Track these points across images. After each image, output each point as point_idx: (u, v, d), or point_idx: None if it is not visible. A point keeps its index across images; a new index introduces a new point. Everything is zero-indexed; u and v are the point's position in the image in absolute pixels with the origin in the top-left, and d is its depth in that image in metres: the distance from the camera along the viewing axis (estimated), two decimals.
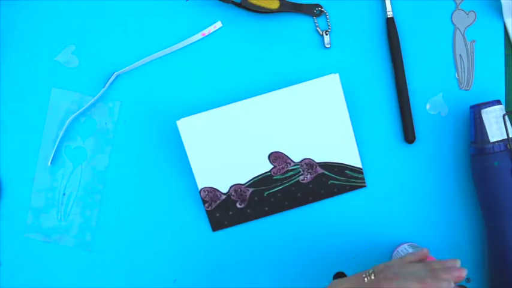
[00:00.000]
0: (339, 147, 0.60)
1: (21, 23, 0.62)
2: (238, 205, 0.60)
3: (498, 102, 0.57)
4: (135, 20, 0.62)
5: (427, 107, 0.62)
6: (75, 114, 0.61)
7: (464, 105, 0.61)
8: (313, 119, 0.60)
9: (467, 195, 0.61)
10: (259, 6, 0.60)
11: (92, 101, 0.61)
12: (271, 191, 0.60)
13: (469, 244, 0.61)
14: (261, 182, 0.60)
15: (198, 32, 0.61)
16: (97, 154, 0.61)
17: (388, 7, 0.61)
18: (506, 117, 0.56)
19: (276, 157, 0.60)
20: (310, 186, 0.60)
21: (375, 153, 0.61)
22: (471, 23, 0.62)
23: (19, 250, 0.62)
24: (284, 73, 0.61)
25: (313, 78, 0.62)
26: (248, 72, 0.61)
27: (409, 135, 0.60)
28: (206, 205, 0.60)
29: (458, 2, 0.62)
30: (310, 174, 0.60)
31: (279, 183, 0.60)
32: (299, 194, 0.60)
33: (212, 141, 0.59)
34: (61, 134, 0.61)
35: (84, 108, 0.61)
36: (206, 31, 0.61)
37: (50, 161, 0.61)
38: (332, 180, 0.60)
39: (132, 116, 0.62)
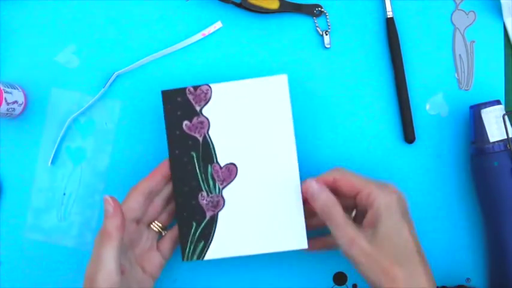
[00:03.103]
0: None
1: (21, 23, 0.62)
2: None
3: (498, 102, 0.57)
4: (135, 20, 0.62)
5: (427, 107, 0.62)
6: (75, 114, 0.61)
7: (464, 105, 0.61)
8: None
9: (466, 195, 0.61)
10: (259, 6, 0.60)
11: (92, 100, 0.61)
12: None
13: (468, 244, 0.61)
14: None
15: (198, 32, 0.62)
16: (97, 154, 0.62)
17: (388, 7, 0.61)
18: (506, 117, 0.56)
19: None
20: None
21: (375, 153, 0.61)
22: (471, 23, 0.62)
23: (19, 250, 0.62)
24: (284, 73, 0.61)
25: (313, 78, 0.62)
26: (248, 72, 0.61)
27: (408, 135, 0.60)
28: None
29: (458, 2, 0.62)
30: None
31: None
32: None
33: None
34: (61, 134, 0.61)
35: (84, 108, 0.61)
36: (206, 31, 0.61)
37: (50, 161, 0.61)
38: None
39: (132, 116, 0.62)
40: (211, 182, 0.55)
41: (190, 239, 0.55)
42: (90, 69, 0.62)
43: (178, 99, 0.55)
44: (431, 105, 0.62)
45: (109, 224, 0.50)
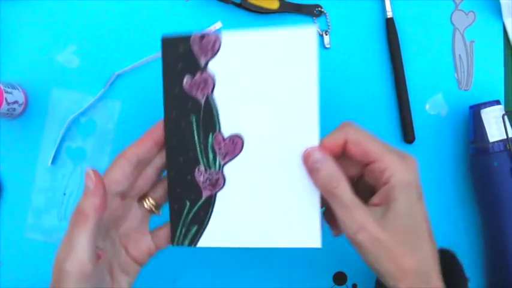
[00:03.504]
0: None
1: (22, 23, 0.62)
2: None
3: (497, 102, 0.57)
4: (135, 21, 0.62)
5: (427, 107, 0.62)
6: (76, 114, 0.61)
7: (463, 105, 0.61)
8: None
9: (466, 195, 0.61)
10: (259, 7, 0.60)
11: (92, 100, 0.61)
12: None
13: (468, 244, 0.62)
14: None
15: None
16: (97, 154, 0.62)
17: (388, 7, 0.61)
18: (506, 117, 0.57)
19: None
20: None
21: None
22: (471, 24, 0.62)
23: (19, 250, 0.62)
24: None
25: None
26: None
27: (408, 135, 0.61)
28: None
29: (457, 3, 0.62)
30: None
31: None
32: None
33: None
34: (61, 133, 0.61)
35: (84, 108, 0.61)
36: (206, 31, 0.62)
37: (50, 161, 0.61)
38: None
39: (132, 116, 0.62)
40: (211, 155, 0.46)
41: (182, 221, 0.47)
42: (91, 69, 0.62)
43: (181, 49, 0.45)
44: (431, 105, 0.62)
45: (86, 203, 0.42)
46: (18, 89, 0.59)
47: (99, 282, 0.44)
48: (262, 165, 0.45)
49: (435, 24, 0.62)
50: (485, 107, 0.57)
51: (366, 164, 0.43)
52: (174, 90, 0.46)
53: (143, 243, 0.48)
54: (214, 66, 0.45)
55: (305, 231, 0.45)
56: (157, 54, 0.61)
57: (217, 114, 0.45)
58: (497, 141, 0.56)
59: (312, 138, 0.44)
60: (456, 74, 0.62)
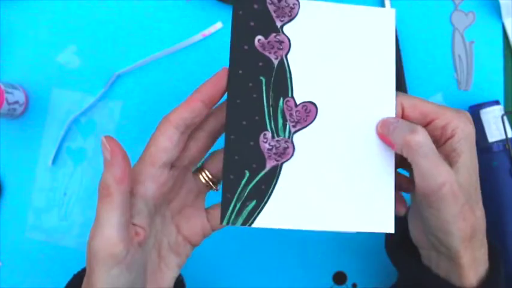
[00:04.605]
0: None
1: (22, 23, 0.62)
2: None
3: (497, 102, 0.57)
4: (135, 21, 0.62)
5: None
6: (76, 114, 0.61)
7: (463, 105, 0.61)
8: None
9: None
10: None
11: (92, 101, 0.61)
12: None
13: None
14: None
15: (198, 33, 0.62)
16: (98, 154, 0.62)
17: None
18: (505, 118, 0.57)
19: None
20: None
21: None
22: (470, 24, 0.62)
23: (20, 250, 0.62)
24: None
25: None
26: None
27: None
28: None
29: (457, 3, 0.62)
30: None
31: None
32: None
33: None
34: (62, 134, 0.61)
35: (84, 108, 0.61)
36: (206, 32, 0.62)
37: (50, 161, 0.61)
38: None
39: (133, 116, 0.62)
40: (280, 121, 0.41)
41: (238, 194, 0.40)
42: (91, 70, 0.62)
43: (255, 6, 0.42)
44: None
45: (107, 176, 0.37)
46: (18, 89, 0.59)
47: (139, 265, 0.39)
48: (334, 138, 0.42)
49: (435, 24, 0.62)
50: (484, 107, 0.57)
51: (426, 125, 0.42)
52: (244, 47, 0.41)
53: (197, 222, 0.44)
54: (289, 31, 0.42)
55: (378, 215, 0.41)
56: (158, 54, 0.61)
57: (291, 78, 0.42)
58: (496, 142, 0.57)
59: (389, 111, 0.42)
60: (456, 74, 0.62)
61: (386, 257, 0.63)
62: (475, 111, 0.57)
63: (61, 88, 0.62)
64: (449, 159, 0.41)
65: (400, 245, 0.48)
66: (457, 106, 0.61)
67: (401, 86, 0.61)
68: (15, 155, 0.62)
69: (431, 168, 0.39)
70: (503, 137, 0.57)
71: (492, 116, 0.57)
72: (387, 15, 0.43)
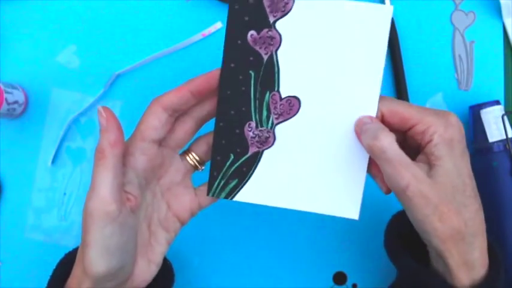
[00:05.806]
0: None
1: (22, 23, 0.62)
2: None
3: (497, 102, 0.57)
4: (135, 21, 0.62)
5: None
6: (76, 114, 0.61)
7: (463, 105, 0.61)
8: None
9: None
10: None
11: (92, 101, 0.61)
12: None
13: None
14: None
15: (198, 33, 0.62)
16: None
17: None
18: (505, 118, 0.57)
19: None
20: None
21: None
22: (470, 24, 0.62)
23: (19, 250, 0.62)
24: None
25: None
26: None
27: None
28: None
29: (457, 3, 0.62)
30: None
31: None
32: None
33: None
34: (61, 134, 0.61)
35: (84, 108, 0.61)
36: (206, 31, 0.62)
37: (50, 161, 0.61)
38: None
39: (132, 116, 0.62)
40: (264, 113, 0.45)
41: (223, 173, 0.46)
42: (91, 70, 0.62)
43: (251, 0, 0.44)
44: (431, 105, 0.62)
45: (102, 140, 0.41)
46: (18, 89, 0.59)
47: (130, 229, 0.42)
48: (314, 131, 0.45)
49: (435, 24, 0.62)
50: (485, 107, 0.57)
51: (407, 130, 0.43)
52: (237, 41, 0.44)
53: (186, 199, 0.47)
54: (282, 26, 0.44)
55: (346, 202, 0.45)
56: (158, 54, 0.61)
57: (278, 73, 0.45)
58: (496, 142, 0.56)
59: (370, 110, 0.44)
60: (456, 74, 0.62)
61: (386, 257, 0.62)
62: (475, 111, 0.57)
63: (61, 88, 0.62)
64: (429, 162, 0.42)
65: (398, 243, 0.49)
66: (457, 106, 0.61)
67: (401, 86, 0.60)
68: (14, 155, 0.62)
69: (393, 173, 0.41)
70: (504, 137, 0.56)
71: (492, 116, 0.57)
72: (384, 13, 0.43)
